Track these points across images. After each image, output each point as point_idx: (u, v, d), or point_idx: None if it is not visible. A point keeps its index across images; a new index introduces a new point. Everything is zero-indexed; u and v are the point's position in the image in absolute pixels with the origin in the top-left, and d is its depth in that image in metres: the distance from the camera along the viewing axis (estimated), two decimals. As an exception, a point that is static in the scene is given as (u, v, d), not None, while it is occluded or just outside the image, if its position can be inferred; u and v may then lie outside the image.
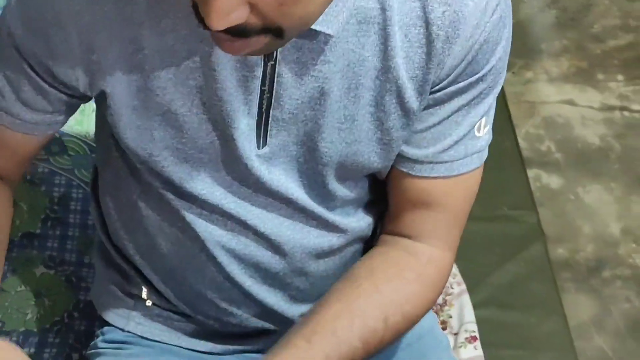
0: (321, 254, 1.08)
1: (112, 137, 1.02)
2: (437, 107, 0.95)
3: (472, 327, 1.59)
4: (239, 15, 0.73)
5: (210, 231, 1.03)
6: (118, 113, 0.94)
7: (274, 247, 1.05)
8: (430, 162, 0.99)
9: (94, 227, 1.29)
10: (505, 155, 1.98)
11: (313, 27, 0.84)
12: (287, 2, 0.74)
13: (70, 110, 1.03)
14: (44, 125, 1.02)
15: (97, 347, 1.20)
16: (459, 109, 0.96)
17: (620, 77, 2.46)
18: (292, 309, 1.13)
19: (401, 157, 0.99)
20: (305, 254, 1.06)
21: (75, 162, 1.46)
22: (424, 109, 0.95)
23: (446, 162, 0.99)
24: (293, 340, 0.95)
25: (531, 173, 2.12)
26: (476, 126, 0.98)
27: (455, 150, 0.98)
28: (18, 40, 0.93)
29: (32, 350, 1.33)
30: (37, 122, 1.01)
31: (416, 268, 1.04)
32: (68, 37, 0.90)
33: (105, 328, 1.21)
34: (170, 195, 1.02)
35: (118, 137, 0.97)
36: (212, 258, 1.05)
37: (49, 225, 1.42)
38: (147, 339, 1.18)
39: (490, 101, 0.98)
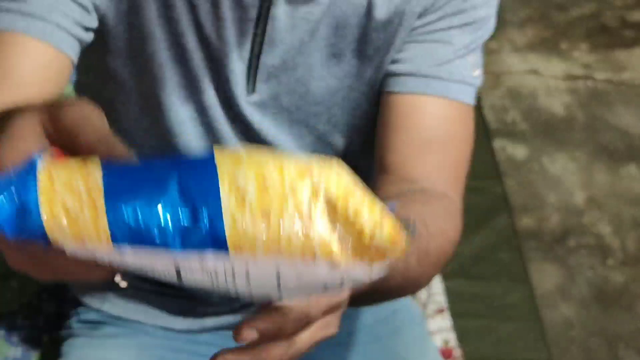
0: None
1: (102, 77, 1.01)
2: (427, 26, 0.94)
3: (440, 299, 1.61)
4: None
5: None
6: (117, 46, 0.94)
7: None
8: (424, 76, 0.95)
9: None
10: (471, 127, 1.98)
11: None
12: None
13: (82, 31, 0.91)
14: (61, 32, 0.88)
15: (72, 328, 1.20)
16: (449, 29, 0.94)
17: (583, 46, 2.48)
18: None
19: (393, 76, 0.96)
20: None
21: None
22: (414, 29, 0.95)
23: (441, 78, 0.95)
24: None
25: (496, 144, 2.13)
26: (470, 60, 0.96)
27: (450, 68, 0.95)
28: None
29: (1, 332, 1.33)
30: (57, 23, 0.88)
31: (446, 208, 0.95)
32: None
33: (80, 308, 1.20)
34: (159, 140, 1.02)
35: (118, 64, 0.97)
36: None
37: (14, 206, 1.40)
38: (122, 318, 1.18)
39: (482, 34, 0.97)
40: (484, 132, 2.01)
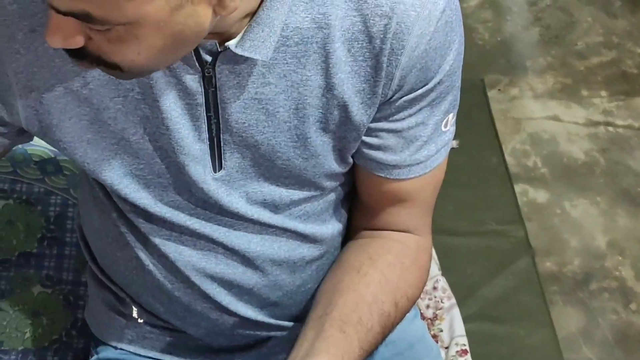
0: (295, 268, 1.09)
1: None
2: (401, 113, 0.96)
3: (463, 341, 1.60)
4: (73, 42, 0.76)
5: (180, 252, 1.04)
6: (72, 147, 0.95)
7: (245, 261, 1.06)
8: (408, 165, 1.01)
9: (90, 246, 1.31)
10: (493, 171, 1.99)
11: (241, 53, 0.85)
12: (115, 41, 0.75)
13: (12, 138, 1.00)
14: None
15: (92, 366, 1.21)
16: (421, 111, 0.97)
17: (603, 93, 2.49)
18: (273, 323, 1.14)
19: (378, 164, 1.01)
20: (277, 267, 1.07)
21: (71, 182, 1.46)
22: (388, 116, 0.96)
23: (421, 162, 1.01)
24: (328, 331, 0.96)
25: (518, 188, 2.14)
26: (442, 122, 1.00)
27: (427, 150, 1.00)
28: None
29: (32, 368, 1.34)
30: None
31: (410, 254, 1.07)
32: (3, 75, 0.90)
33: (100, 347, 1.22)
34: (139, 220, 1.03)
35: (80, 169, 0.99)
36: (186, 279, 1.07)
37: (45, 245, 1.42)
38: (139, 355, 1.19)
39: (451, 98, 0.99)
40: (505, 177, 2.02)
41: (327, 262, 1.12)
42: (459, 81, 0.99)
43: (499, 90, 2.44)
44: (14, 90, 0.90)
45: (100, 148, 0.94)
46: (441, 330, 1.61)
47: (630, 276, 2.04)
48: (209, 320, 1.12)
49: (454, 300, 1.65)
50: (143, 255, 1.06)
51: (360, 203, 1.10)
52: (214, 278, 1.07)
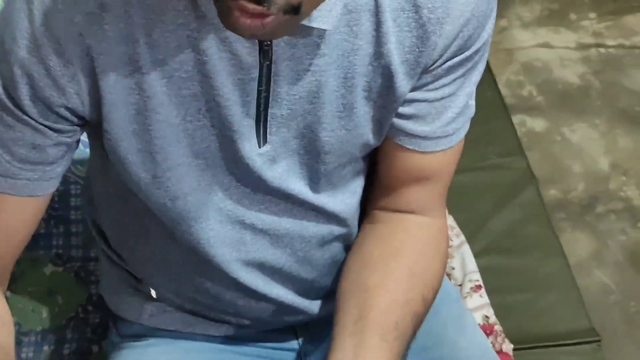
0: (323, 242, 1.08)
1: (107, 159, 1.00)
2: (437, 82, 0.95)
3: (476, 277, 1.60)
4: None
5: (210, 244, 1.02)
6: (117, 138, 0.92)
7: (274, 241, 1.05)
8: (437, 137, 0.99)
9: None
10: (489, 105, 1.98)
11: (308, 24, 0.84)
12: None
13: (66, 156, 0.97)
14: (44, 181, 0.96)
15: (113, 342, 1.20)
16: (456, 81, 0.96)
17: (592, 14, 2.48)
18: (305, 303, 1.13)
19: (407, 135, 0.99)
20: (306, 243, 1.06)
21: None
22: (424, 85, 0.95)
23: (449, 135, 1.00)
24: (370, 340, 0.95)
25: (516, 119, 2.13)
26: (471, 95, 0.99)
27: (456, 122, 0.99)
28: (16, 76, 0.89)
29: (52, 347, 1.34)
30: (38, 178, 0.96)
31: (434, 243, 1.06)
32: (69, 62, 0.87)
33: (119, 323, 1.20)
34: (169, 214, 1.00)
35: (118, 162, 0.95)
36: (215, 269, 1.05)
37: (52, 224, 1.41)
38: (161, 329, 1.18)
39: (481, 68, 0.98)
40: (502, 110, 2.01)
41: (352, 236, 1.11)
42: (487, 54, 0.99)
43: (487, 22, 2.42)
44: (79, 77, 0.88)
45: (145, 140, 0.92)
46: (453, 268, 1.61)
47: (635, 195, 2.05)
48: (237, 307, 1.11)
49: (463, 238, 1.65)
50: (168, 248, 1.05)
51: (379, 182, 1.08)
52: (245, 264, 1.05)
